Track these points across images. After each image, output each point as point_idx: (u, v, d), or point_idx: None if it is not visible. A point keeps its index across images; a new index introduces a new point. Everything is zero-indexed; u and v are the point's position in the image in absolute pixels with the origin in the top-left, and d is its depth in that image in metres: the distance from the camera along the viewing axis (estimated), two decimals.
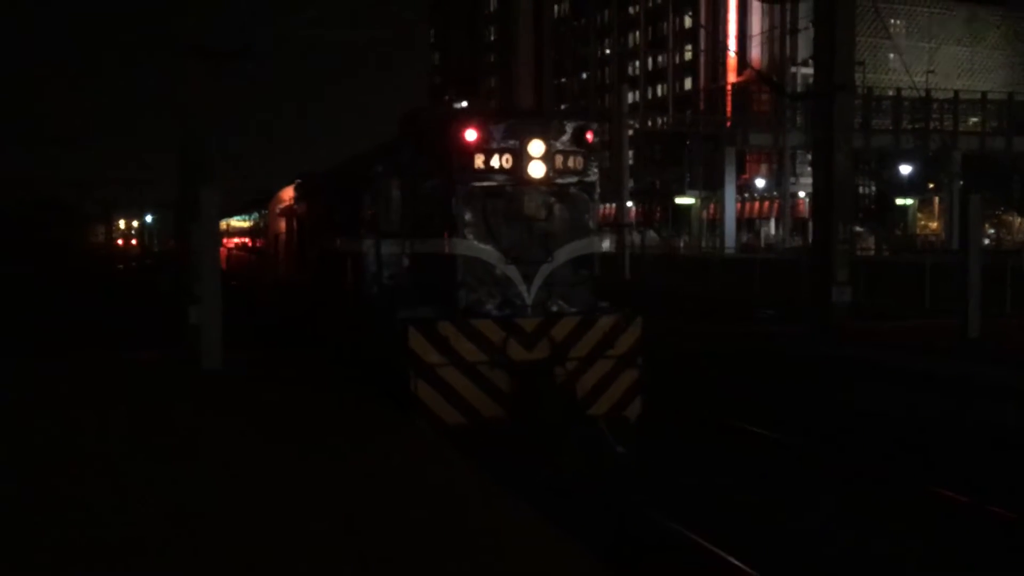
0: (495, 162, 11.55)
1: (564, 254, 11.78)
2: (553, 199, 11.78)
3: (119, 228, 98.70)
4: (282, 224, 21.66)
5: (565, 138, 11.77)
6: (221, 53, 21.14)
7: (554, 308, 11.69)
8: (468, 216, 11.54)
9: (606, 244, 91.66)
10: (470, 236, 11.53)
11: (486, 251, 11.54)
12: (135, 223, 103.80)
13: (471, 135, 11.43)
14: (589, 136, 11.90)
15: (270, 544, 7.26)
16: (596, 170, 12.09)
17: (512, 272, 11.59)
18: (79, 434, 11.61)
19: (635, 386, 11.80)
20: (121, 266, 71.71)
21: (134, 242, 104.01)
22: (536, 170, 11.61)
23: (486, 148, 11.51)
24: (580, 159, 11.83)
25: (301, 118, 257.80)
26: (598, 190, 12.27)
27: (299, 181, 19.82)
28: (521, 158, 11.58)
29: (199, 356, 16.68)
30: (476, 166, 11.51)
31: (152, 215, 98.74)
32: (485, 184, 11.55)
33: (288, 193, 20.81)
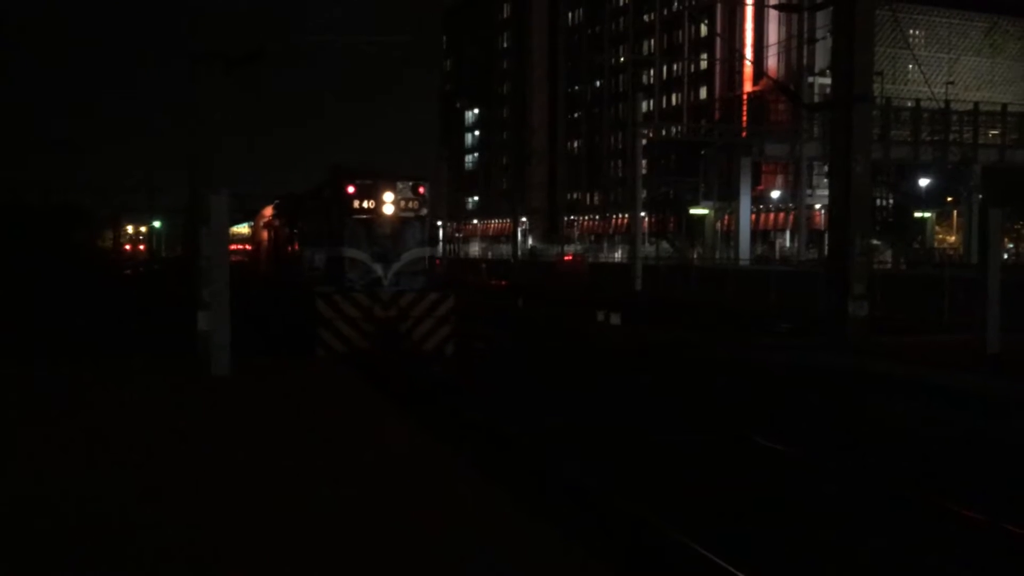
0: (365, 204, 19.54)
1: (407, 257, 19.67)
2: (400, 225, 19.69)
3: (127, 233, 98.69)
4: (264, 234, 28.56)
5: (406, 191, 19.72)
6: (233, 57, 21.01)
7: (401, 287, 19.30)
8: (351, 235, 19.43)
9: (618, 254, 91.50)
10: (352, 246, 19.40)
11: (361, 255, 19.41)
12: (143, 228, 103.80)
13: (352, 189, 19.48)
14: (421, 190, 19.89)
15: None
16: (427, 209, 20.08)
17: (376, 267, 19.43)
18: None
19: (450, 335, 19.35)
20: (128, 271, 71.76)
21: (142, 247, 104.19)
22: (388, 209, 19.59)
23: (360, 196, 19.49)
24: (416, 202, 19.77)
25: (315, 124, 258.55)
26: (428, 220, 20.29)
27: (277, 202, 26.82)
28: (379, 202, 19.59)
29: (208, 362, 16.94)
30: (355, 206, 19.49)
31: (161, 221, 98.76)
32: (360, 217, 19.54)
33: (269, 211, 27.80)
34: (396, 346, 18.75)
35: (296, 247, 22.93)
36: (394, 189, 19.58)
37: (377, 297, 18.86)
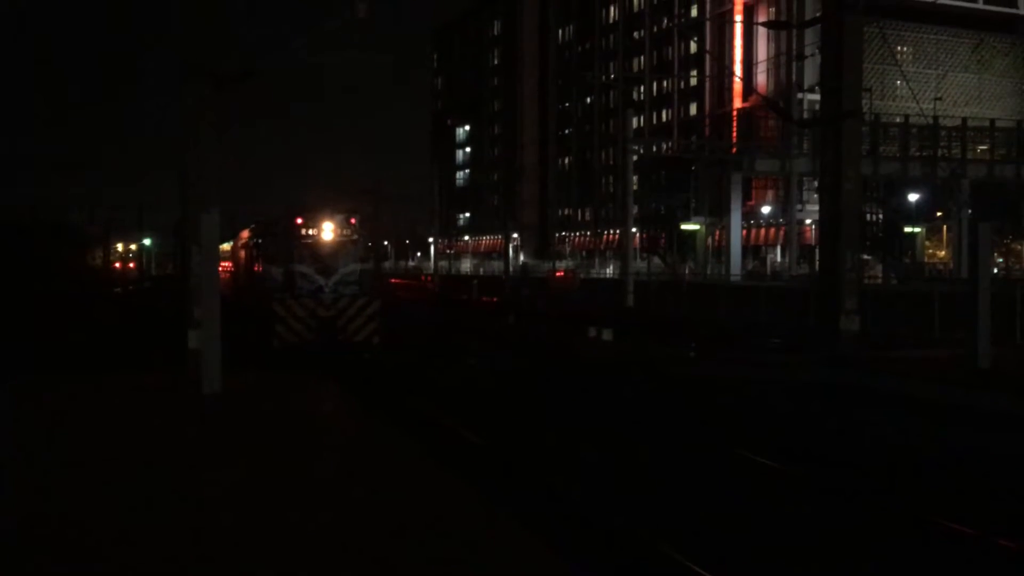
0: (310, 232, 24.99)
1: (343, 271, 24.72)
2: (336, 247, 24.98)
3: (117, 251, 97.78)
4: (242, 253, 33.89)
5: (341, 221, 25.12)
6: (224, 76, 21.02)
7: (338, 293, 24.27)
8: (300, 255, 24.81)
9: (609, 270, 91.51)
10: (301, 263, 24.64)
11: (308, 269, 24.50)
12: (133, 246, 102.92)
13: (299, 220, 25.04)
14: (352, 220, 25.31)
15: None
16: (358, 234, 25.42)
17: (319, 278, 24.50)
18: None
19: (376, 329, 24.39)
20: (119, 289, 71.34)
21: (131, 265, 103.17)
22: (327, 235, 25.00)
23: (306, 226, 24.98)
24: (348, 230, 25.14)
25: (306, 140, 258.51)
26: (360, 242, 25.57)
27: (253, 226, 32.10)
28: (320, 230, 25.01)
29: (199, 380, 16.96)
30: (302, 234, 24.96)
31: (151, 239, 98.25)
32: (306, 241, 24.96)
33: (245, 234, 33.22)
34: (334, 337, 23.74)
35: (261, 264, 28.56)
36: (331, 219, 25.12)
37: (320, 301, 24.07)
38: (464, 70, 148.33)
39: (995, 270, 55.26)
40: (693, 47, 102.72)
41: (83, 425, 14.31)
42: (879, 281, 59.26)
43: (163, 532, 8.61)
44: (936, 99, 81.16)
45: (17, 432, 13.86)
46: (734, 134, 79.13)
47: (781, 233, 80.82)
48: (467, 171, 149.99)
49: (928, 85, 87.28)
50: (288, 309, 23.69)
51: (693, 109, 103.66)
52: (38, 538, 8.47)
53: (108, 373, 20.27)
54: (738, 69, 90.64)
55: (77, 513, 9.29)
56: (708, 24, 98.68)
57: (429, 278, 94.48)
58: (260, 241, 29.26)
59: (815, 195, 64.41)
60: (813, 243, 71.02)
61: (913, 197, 69.67)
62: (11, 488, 10.44)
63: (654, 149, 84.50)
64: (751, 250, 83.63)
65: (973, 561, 9.22)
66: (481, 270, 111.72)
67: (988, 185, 71.73)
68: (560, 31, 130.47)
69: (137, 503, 9.65)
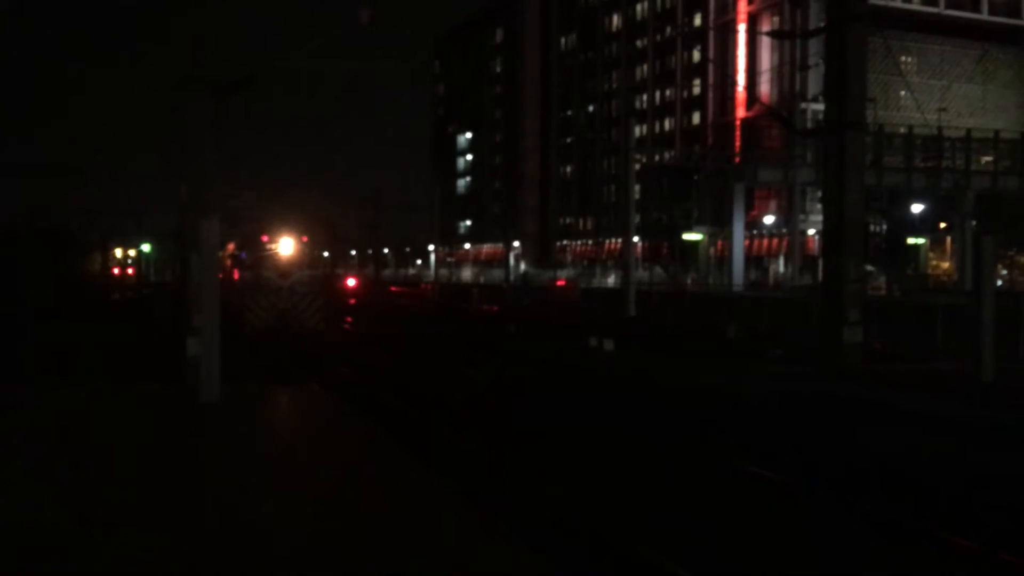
0: (272, 246, 34.46)
1: (297, 275, 30.37)
2: (292, 257, 33.02)
3: (115, 257, 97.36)
4: (228, 261, 39.57)
5: (295, 237, 34.59)
6: (225, 83, 20.89)
7: (294, 291, 29.38)
8: (264, 263, 32.96)
9: (611, 280, 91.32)
10: (266, 269, 31.91)
11: (272, 274, 30.98)
12: (132, 252, 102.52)
13: (265, 238, 35.88)
14: (304, 238, 37.48)
15: None
16: (307, 248, 36.32)
17: (280, 280, 30.01)
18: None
19: (321, 319, 30.17)
20: (117, 296, 71.17)
21: (130, 271, 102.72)
22: (284, 250, 34.41)
23: (269, 241, 35.20)
24: (300, 244, 35.13)
25: (307, 146, 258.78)
26: (309, 253, 36.96)
27: (236, 240, 39.26)
28: (279, 244, 34.64)
29: (197, 388, 16.79)
30: (266, 247, 34.13)
31: (150, 244, 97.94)
32: (269, 252, 34.05)
33: (231, 245, 39.95)
34: (290, 324, 29.18)
35: (238, 271, 36.07)
36: (289, 237, 32.31)
37: (280, 296, 29.68)
38: (466, 78, 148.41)
39: (999, 282, 55.01)
40: (696, 56, 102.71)
41: (76, 440, 14.09)
42: (882, 292, 59.04)
43: (164, 536, 8.44)
44: (940, 110, 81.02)
45: (11, 443, 13.67)
46: (737, 144, 79.14)
47: (784, 243, 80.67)
48: (468, 179, 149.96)
49: (932, 96, 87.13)
50: (256, 303, 29.90)
51: (696, 118, 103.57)
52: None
53: (105, 382, 20.09)
54: (741, 78, 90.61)
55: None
56: (711, 33, 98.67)
57: (429, 286, 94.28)
58: (240, 253, 37.66)
59: (818, 205, 64.38)
60: (816, 253, 70.77)
61: (917, 208, 69.50)
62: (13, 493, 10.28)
63: (656, 158, 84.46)
64: (753, 260, 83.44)
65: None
66: (482, 278, 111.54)
67: (992, 197, 71.60)
68: (562, 39, 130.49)
69: (133, 517, 9.48)
